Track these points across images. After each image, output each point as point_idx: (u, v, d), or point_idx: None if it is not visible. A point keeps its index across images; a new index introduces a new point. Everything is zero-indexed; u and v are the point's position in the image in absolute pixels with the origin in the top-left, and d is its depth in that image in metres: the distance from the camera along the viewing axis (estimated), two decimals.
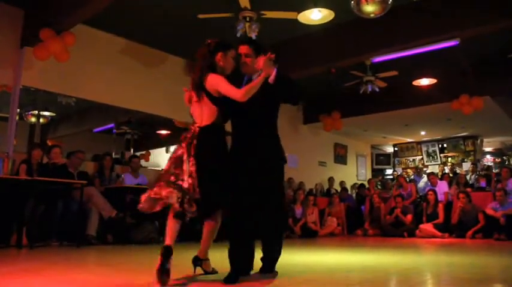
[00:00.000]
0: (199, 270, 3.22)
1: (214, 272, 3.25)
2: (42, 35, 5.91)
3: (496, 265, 4.48)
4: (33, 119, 7.72)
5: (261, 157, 3.19)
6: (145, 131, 9.99)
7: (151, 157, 10.28)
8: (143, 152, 10.00)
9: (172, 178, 2.98)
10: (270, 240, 3.35)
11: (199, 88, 3.11)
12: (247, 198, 3.12)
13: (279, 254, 3.37)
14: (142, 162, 8.97)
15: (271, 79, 3.05)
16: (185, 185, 2.93)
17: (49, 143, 7.76)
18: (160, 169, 7.71)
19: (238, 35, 5.94)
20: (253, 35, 5.90)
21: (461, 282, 3.15)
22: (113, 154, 8.14)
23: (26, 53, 6.42)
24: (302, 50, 7.47)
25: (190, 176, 2.95)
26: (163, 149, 10.80)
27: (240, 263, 3.10)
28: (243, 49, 3.29)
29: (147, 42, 7.92)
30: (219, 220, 3.18)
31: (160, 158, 10.38)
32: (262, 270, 3.30)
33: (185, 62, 8.57)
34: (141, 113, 8.24)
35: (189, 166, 2.96)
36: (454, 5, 6.06)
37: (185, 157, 3.00)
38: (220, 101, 3.10)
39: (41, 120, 7.86)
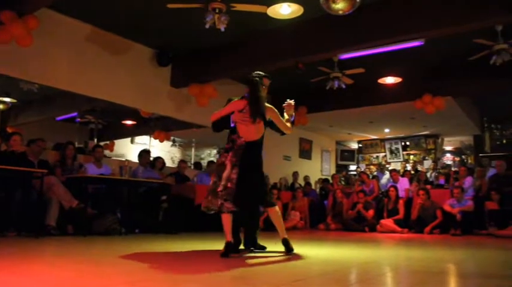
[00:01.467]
0: None
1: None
2: (3, 17, 5.69)
3: (451, 258, 4.62)
4: None
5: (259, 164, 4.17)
6: (110, 120, 9.83)
7: (115, 147, 10.14)
8: (107, 142, 9.85)
9: (218, 189, 3.84)
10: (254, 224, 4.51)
11: (261, 115, 4.01)
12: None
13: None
14: (107, 152, 8.83)
15: (292, 119, 4.41)
16: (219, 188, 3.82)
17: (9, 130, 7.54)
18: (124, 159, 7.61)
19: (207, 26, 5.90)
20: (222, 27, 5.87)
21: (418, 275, 3.24)
22: (76, 143, 7.98)
23: None
24: (270, 44, 7.48)
25: (229, 181, 3.82)
26: (128, 139, 10.67)
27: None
28: (266, 81, 4.26)
29: (114, 30, 7.76)
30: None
31: (125, 148, 10.26)
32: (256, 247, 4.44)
33: (152, 52, 8.47)
34: (106, 102, 8.08)
35: (231, 173, 3.84)
36: (420, 6, 6.18)
37: (229, 165, 3.88)
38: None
39: (1, 106, 7.64)
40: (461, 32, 6.51)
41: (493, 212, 8.26)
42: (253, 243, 4.50)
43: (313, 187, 12.36)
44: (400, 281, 3.11)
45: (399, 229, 8.87)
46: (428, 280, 2.96)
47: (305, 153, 13.53)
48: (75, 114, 8.94)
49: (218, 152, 12.13)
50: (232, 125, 4.12)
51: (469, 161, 14.78)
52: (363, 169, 14.14)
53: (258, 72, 4.23)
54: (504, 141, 14.06)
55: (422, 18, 6.15)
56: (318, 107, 10.80)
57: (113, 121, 9.97)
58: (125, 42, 8.07)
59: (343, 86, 8.58)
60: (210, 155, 12.23)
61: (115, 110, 8.98)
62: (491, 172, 9.63)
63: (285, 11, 6.19)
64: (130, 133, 10.61)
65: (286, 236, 4.21)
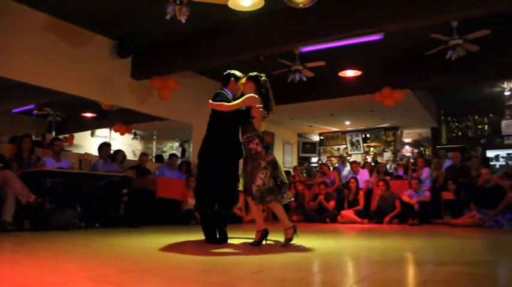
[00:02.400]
0: None
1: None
2: None
3: (409, 247, 4.76)
4: None
5: None
6: (69, 113, 9.59)
7: (75, 140, 9.91)
8: (66, 135, 9.61)
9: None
10: None
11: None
12: None
13: None
14: (66, 145, 8.62)
15: None
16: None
17: None
18: (83, 152, 7.42)
19: (168, 17, 5.81)
20: (183, 19, 5.79)
21: (378, 264, 3.33)
22: (33, 136, 7.75)
23: None
24: (231, 36, 7.46)
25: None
26: (89, 132, 10.45)
27: None
28: None
29: (73, 20, 7.55)
30: None
31: (85, 141, 10.03)
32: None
33: (113, 43, 8.30)
34: (65, 94, 7.87)
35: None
36: (380, 0, 6.29)
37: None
38: None
39: None
40: (418, 27, 6.66)
41: (448, 202, 8.54)
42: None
43: None
44: (361, 270, 3.18)
45: (359, 220, 9.06)
46: (387, 269, 3.04)
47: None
48: (32, 106, 8.68)
49: (180, 145, 12.04)
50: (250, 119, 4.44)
51: (427, 152, 15.19)
52: (324, 161, 14.33)
53: (257, 73, 4.71)
54: (459, 133, 14.54)
55: (382, 12, 6.26)
56: (279, 100, 10.68)
57: (72, 114, 9.73)
58: (84, 33, 7.87)
59: (304, 79, 8.65)
60: (172, 148, 12.12)
61: (74, 103, 8.76)
62: (447, 163, 9.94)
63: (245, 3, 6.15)
64: (90, 126, 10.38)
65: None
